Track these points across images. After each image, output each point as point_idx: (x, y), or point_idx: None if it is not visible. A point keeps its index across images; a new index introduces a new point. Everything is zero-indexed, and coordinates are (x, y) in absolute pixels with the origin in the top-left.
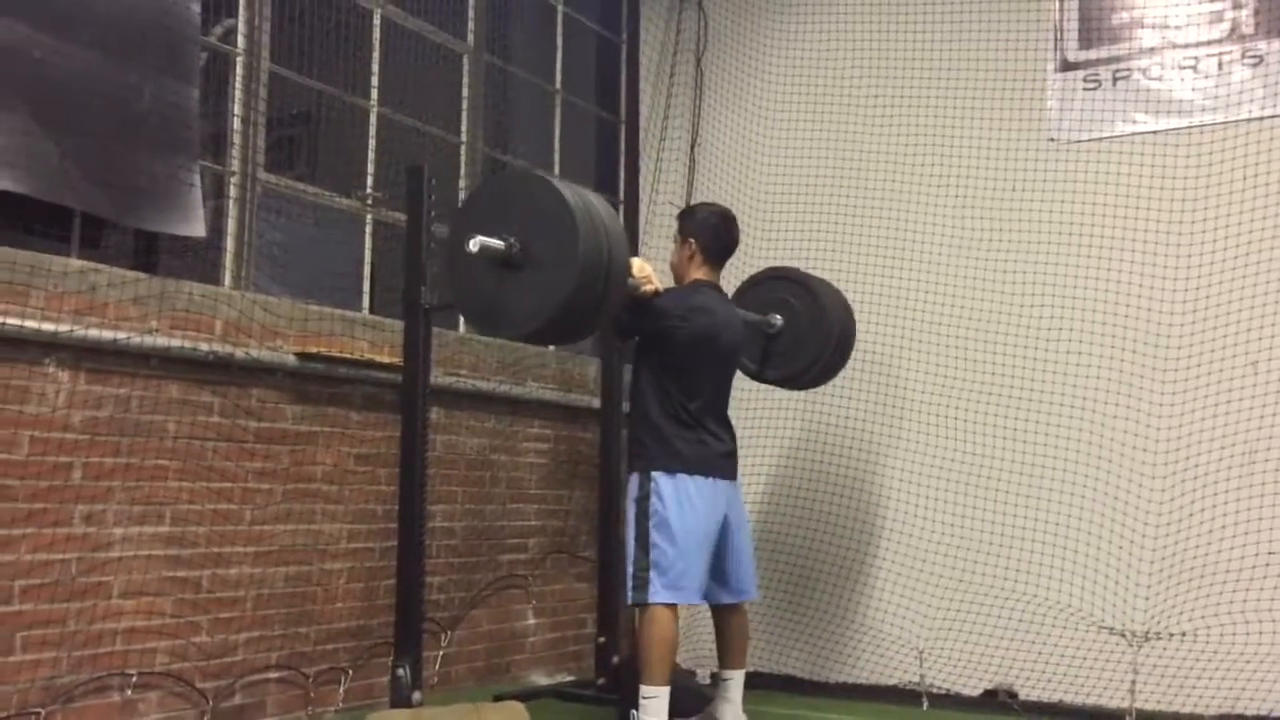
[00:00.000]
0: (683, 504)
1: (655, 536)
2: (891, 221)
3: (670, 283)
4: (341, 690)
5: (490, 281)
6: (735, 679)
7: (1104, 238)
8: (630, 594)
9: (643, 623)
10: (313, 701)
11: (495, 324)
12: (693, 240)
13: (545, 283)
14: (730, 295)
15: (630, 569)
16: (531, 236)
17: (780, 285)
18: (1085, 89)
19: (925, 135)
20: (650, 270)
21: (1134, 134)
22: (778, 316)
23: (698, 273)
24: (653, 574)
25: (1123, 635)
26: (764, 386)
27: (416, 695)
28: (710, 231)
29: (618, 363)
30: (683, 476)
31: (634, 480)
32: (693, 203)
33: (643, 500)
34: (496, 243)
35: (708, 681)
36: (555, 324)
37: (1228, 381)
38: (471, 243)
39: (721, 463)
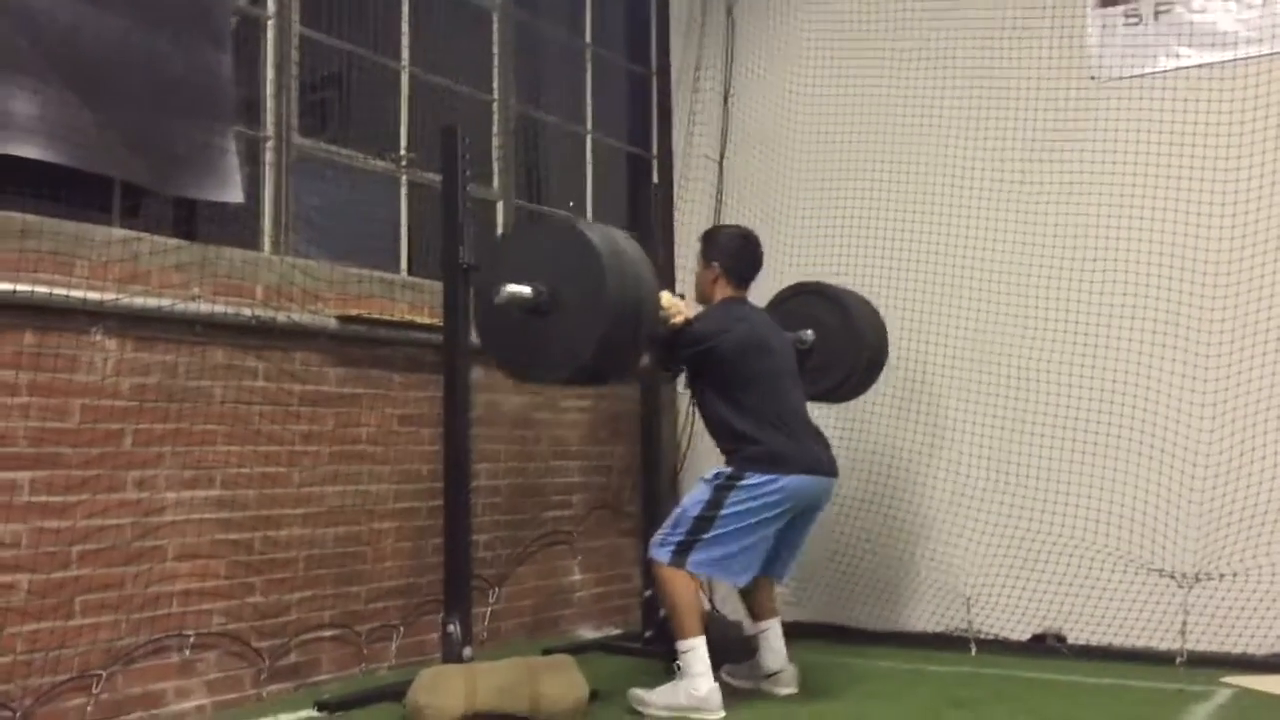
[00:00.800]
0: (765, 503)
1: (721, 526)
2: (931, 168)
3: (692, 291)
4: (393, 647)
5: (522, 329)
6: (773, 626)
7: (1149, 177)
8: (666, 556)
9: (663, 583)
10: (366, 658)
11: (529, 372)
12: (716, 264)
13: (577, 328)
14: None
15: (675, 534)
16: (560, 283)
17: (810, 300)
18: (1126, 24)
19: (962, 78)
20: (679, 301)
21: (1177, 69)
22: (809, 332)
23: (723, 293)
24: (699, 548)
25: (1172, 577)
26: None
27: (467, 650)
28: (733, 255)
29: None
30: (781, 475)
31: (722, 468)
32: (715, 225)
33: (722, 489)
34: (525, 291)
35: (752, 634)
36: (590, 368)
37: (1276, 320)
38: (499, 294)
39: (824, 460)
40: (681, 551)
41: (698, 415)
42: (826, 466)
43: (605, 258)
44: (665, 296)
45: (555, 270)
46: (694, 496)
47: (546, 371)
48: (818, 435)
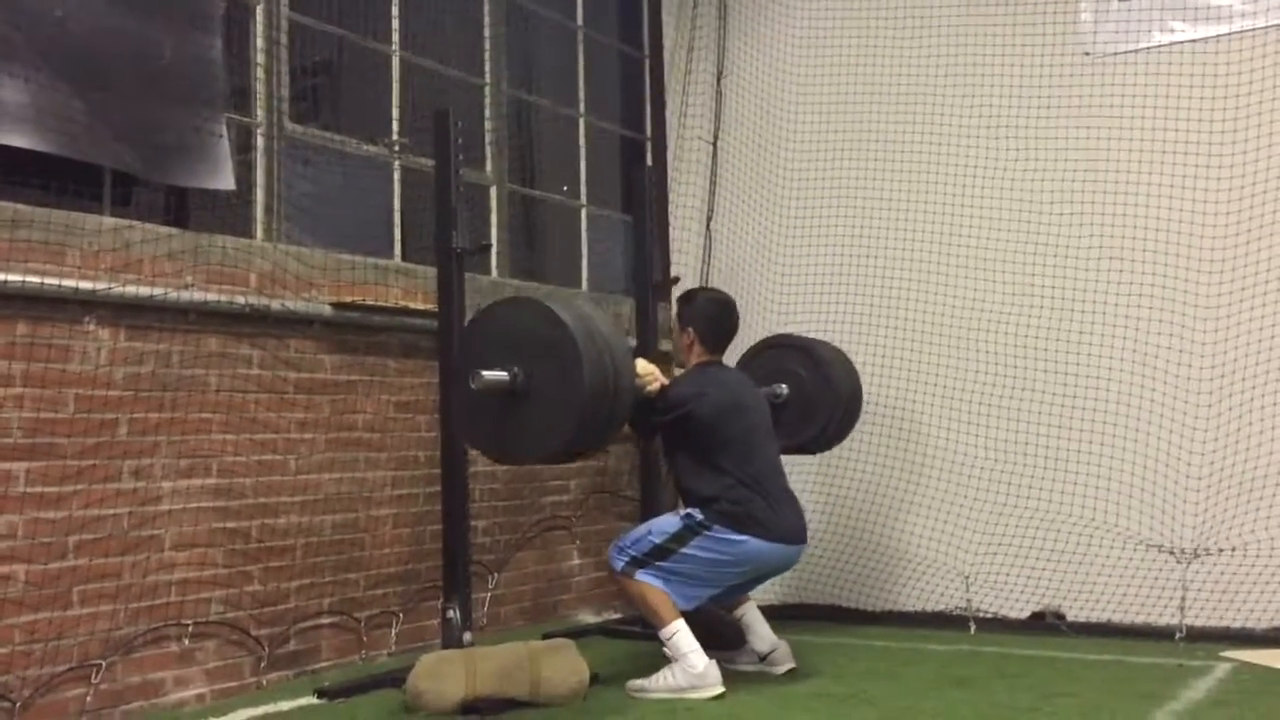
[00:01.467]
0: (724, 562)
1: (679, 562)
2: (924, 146)
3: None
4: (393, 633)
5: (499, 412)
6: (749, 611)
7: (1144, 152)
8: (619, 561)
9: (624, 585)
10: (366, 645)
11: (508, 454)
12: (691, 329)
13: (554, 409)
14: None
15: (636, 550)
16: (535, 364)
17: (782, 354)
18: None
19: (956, 55)
20: (654, 368)
21: (1171, 44)
22: (783, 386)
23: (699, 358)
24: (650, 569)
25: (1171, 553)
26: None
27: (467, 636)
28: (707, 321)
29: (651, 300)
30: (747, 537)
31: (695, 510)
32: (694, 289)
33: (688, 531)
34: (500, 375)
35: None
36: (569, 446)
37: (1273, 294)
38: (474, 380)
39: (795, 527)
40: (634, 565)
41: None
42: (796, 534)
43: (579, 337)
44: (641, 364)
45: (529, 351)
46: (662, 524)
47: (525, 453)
48: (791, 500)
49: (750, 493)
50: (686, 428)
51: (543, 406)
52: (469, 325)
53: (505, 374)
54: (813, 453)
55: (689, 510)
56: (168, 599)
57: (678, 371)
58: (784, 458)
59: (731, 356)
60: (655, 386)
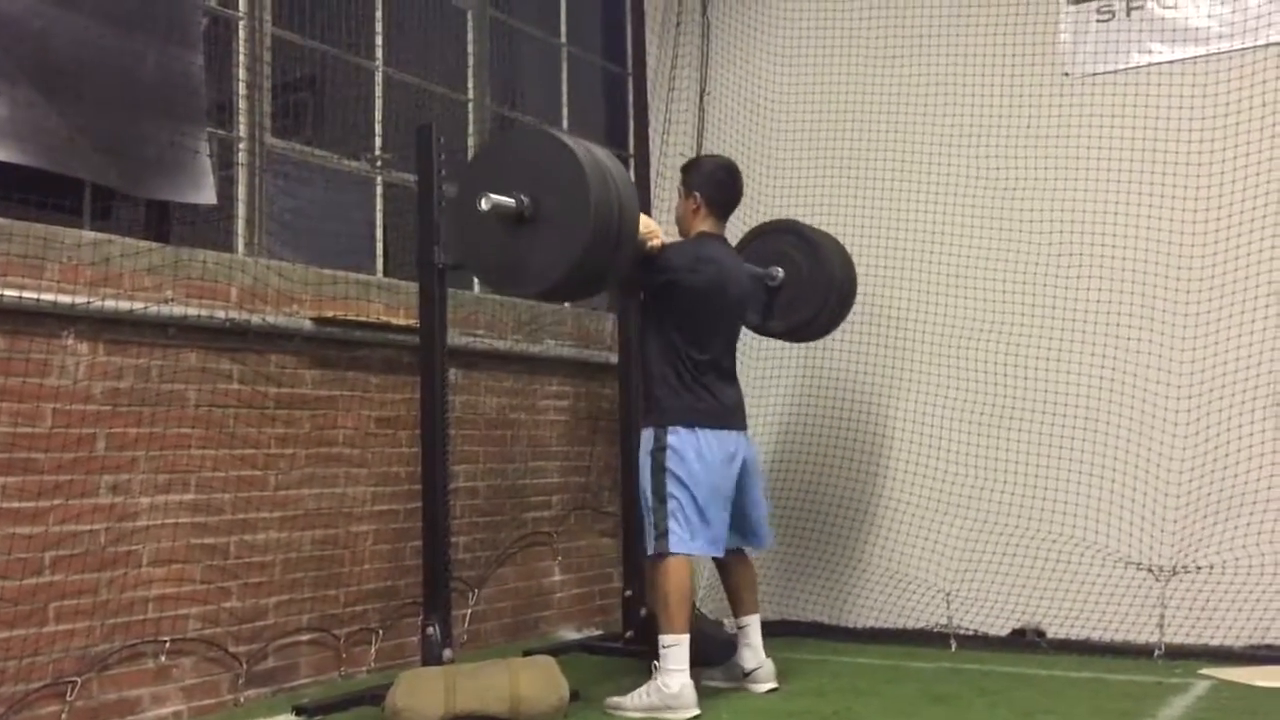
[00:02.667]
0: (699, 457)
1: (672, 488)
2: (904, 164)
3: (674, 234)
4: (373, 650)
5: (502, 240)
6: (752, 623)
7: (1122, 171)
8: (651, 545)
9: (658, 574)
10: (345, 662)
11: (509, 282)
12: (697, 194)
13: (558, 238)
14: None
15: (650, 520)
16: (542, 193)
17: (781, 238)
18: (1099, 21)
19: (936, 76)
20: (655, 225)
21: (1150, 65)
22: (779, 269)
23: (702, 225)
24: (671, 525)
25: (1150, 570)
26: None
27: (447, 653)
28: (714, 185)
29: (634, 316)
30: (697, 430)
31: (648, 434)
32: (700, 154)
33: (658, 453)
34: (508, 200)
35: (734, 631)
36: (569, 280)
37: (1250, 312)
38: (483, 201)
39: (733, 414)
40: (662, 535)
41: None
42: (730, 418)
43: (588, 169)
44: (645, 219)
45: (537, 182)
46: (642, 476)
47: (525, 284)
48: (733, 387)
49: (693, 382)
50: (668, 296)
51: (547, 236)
52: (479, 152)
53: (511, 199)
54: (806, 339)
55: (647, 442)
56: (144, 615)
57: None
58: (767, 467)
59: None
60: (656, 243)
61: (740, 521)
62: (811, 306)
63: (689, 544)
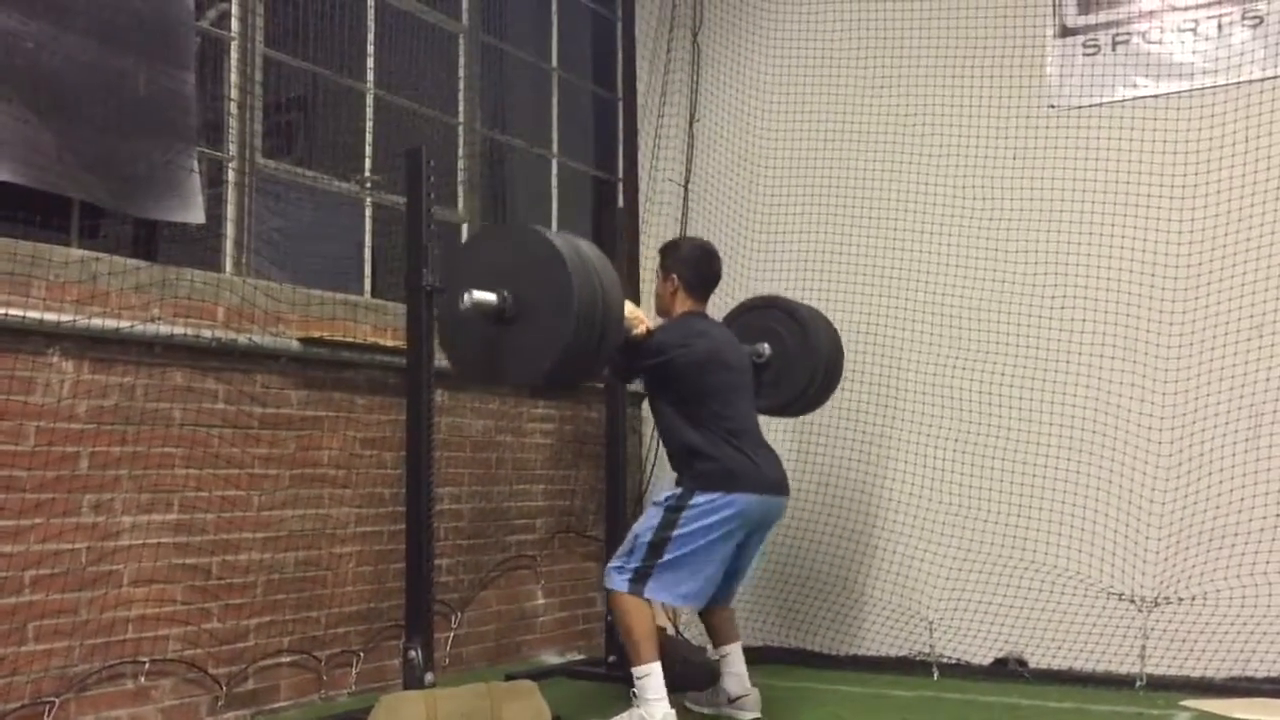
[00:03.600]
0: (715, 527)
1: (675, 549)
2: (892, 193)
3: (651, 307)
4: (354, 673)
5: (486, 337)
6: (734, 651)
7: (1106, 204)
8: (623, 583)
9: (620, 608)
10: (325, 685)
11: (494, 379)
12: (675, 276)
13: (542, 334)
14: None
15: (631, 562)
16: (525, 288)
17: (766, 314)
18: (1085, 54)
19: (924, 105)
20: (639, 312)
21: (1135, 99)
22: (765, 345)
23: (683, 306)
24: (656, 574)
25: (1132, 601)
26: None
27: (429, 677)
28: (692, 267)
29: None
30: (732, 493)
31: (672, 489)
32: (679, 237)
33: (672, 511)
34: (490, 296)
35: (717, 659)
36: (555, 375)
37: (1232, 345)
38: (465, 298)
39: (776, 480)
40: (638, 579)
41: (661, 439)
42: (778, 485)
43: (571, 264)
44: (629, 306)
45: (519, 277)
46: (646, 521)
47: (511, 379)
48: (770, 452)
49: (729, 447)
50: (668, 375)
51: (530, 333)
52: (462, 247)
53: (494, 296)
54: (793, 415)
55: (666, 494)
56: (124, 635)
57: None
58: None
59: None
60: (642, 329)
61: (723, 581)
62: (799, 382)
63: (665, 595)
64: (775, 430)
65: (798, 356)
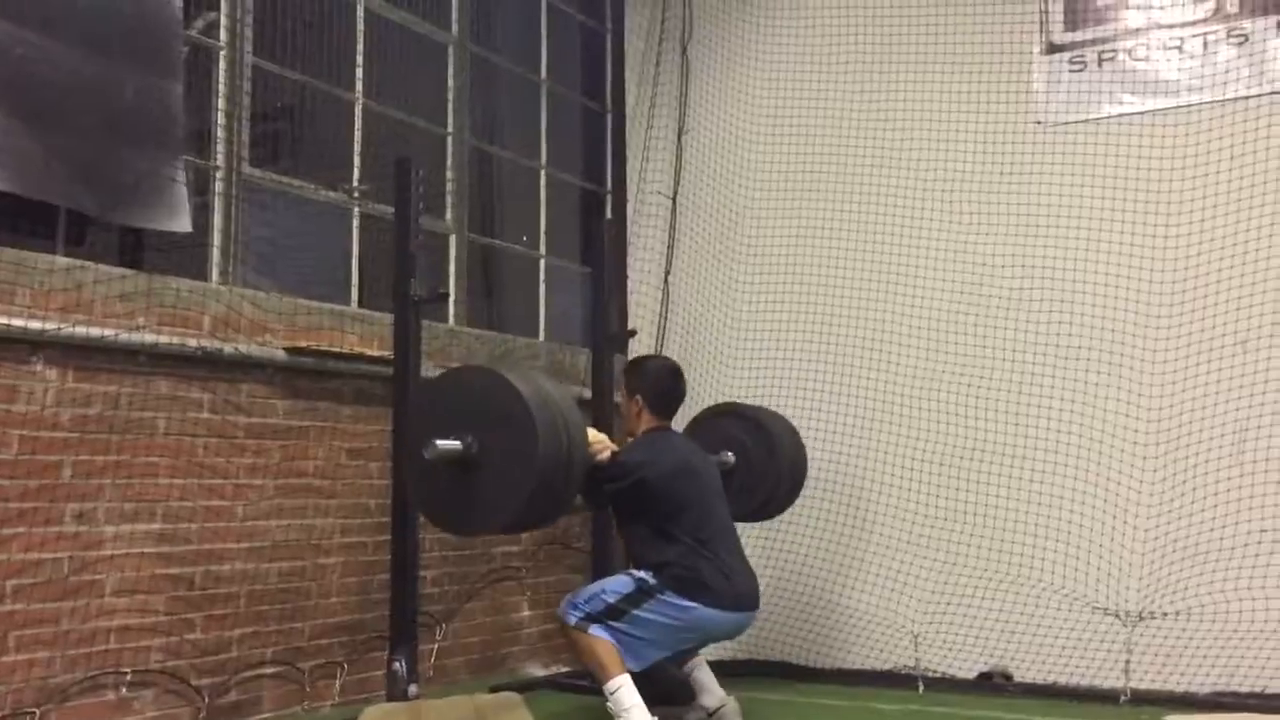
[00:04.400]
0: (675, 628)
1: (632, 624)
2: (879, 207)
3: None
4: (337, 685)
5: (452, 482)
6: (698, 665)
7: (1092, 219)
8: (572, 616)
9: (573, 636)
10: (308, 696)
11: (459, 524)
12: (639, 396)
13: (507, 480)
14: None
15: (593, 608)
16: (489, 434)
17: (729, 422)
18: (1071, 71)
19: (912, 121)
20: (603, 436)
21: (1121, 115)
22: (730, 454)
23: (647, 424)
24: (609, 632)
25: (1116, 615)
26: None
27: (413, 688)
28: (656, 389)
29: (608, 352)
30: (699, 606)
31: (648, 573)
32: (641, 356)
33: (641, 593)
34: (454, 444)
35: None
36: (521, 519)
37: (1217, 361)
38: (427, 449)
39: (748, 594)
40: (588, 620)
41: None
42: (748, 601)
43: (534, 408)
44: (591, 433)
45: (483, 421)
46: (615, 584)
47: (478, 525)
48: (744, 564)
49: (702, 559)
50: (639, 495)
51: (495, 477)
52: (423, 390)
53: (459, 443)
54: (756, 521)
55: (642, 573)
56: (106, 646)
57: (627, 440)
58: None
59: (680, 420)
60: (605, 455)
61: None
62: (765, 490)
63: (622, 654)
64: None
65: (762, 462)
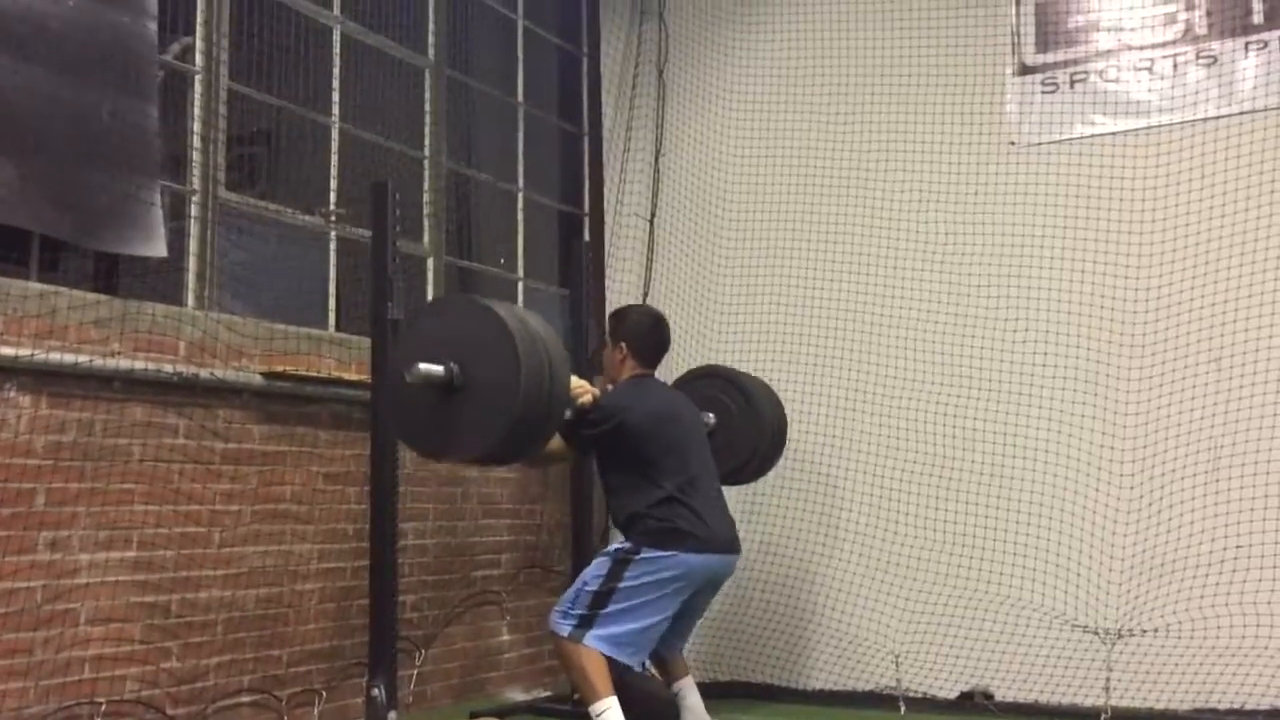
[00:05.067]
0: (661, 585)
1: (620, 600)
2: (854, 228)
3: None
4: (316, 712)
5: (433, 409)
6: (686, 685)
7: (1065, 239)
8: (566, 628)
9: (566, 651)
10: None
11: (440, 451)
12: (624, 344)
13: (488, 408)
14: None
15: (574, 608)
16: (472, 361)
17: (711, 383)
18: (1044, 92)
19: (886, 142)
20: (585, 383)
21: (1093, 136)
22: (711, 415)
23: (631, 373)
24: (598, 624)
25: (1096, 633)
26: None
27: (392, 715)
28: (640, 335)
29: (586, 374)
30: (679, 553)
31: (620, 542)
32: (632, 304)
33: (619, 565)
34: (436, 368)
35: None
36: (501, 447)
37: (1191, 379)
38: (409, 372)
39: (726, 538)
40: (581, 626)
41: (610, 514)
42: (728, 544)
43: (518, 337)
44: (574, 379)
45: (466, 350)
46: (593, 570)
47: (457, 452)
48: (723, 509)
49: (679, 506)
50: (619, 439)
51: (477, 403)
52: (407, 320)
53: (441, 368)
54: (743, 482)
55: (615, 545)
56: (80, 676)
57: (608, 389)
58: None
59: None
60: (588, 399)
61: (669, 631)
62: (745, 451)
63: (606, 647)
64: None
65: (743, 425)
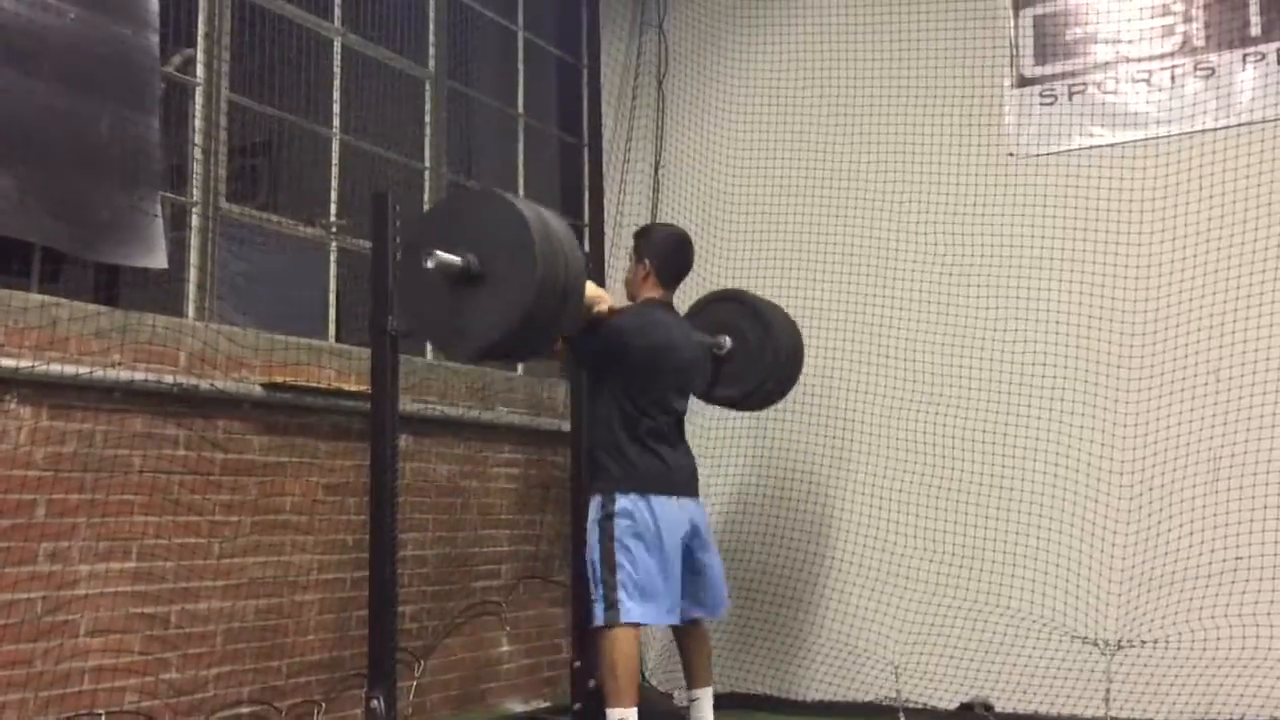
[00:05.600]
0: (647, 524)
1: (621, 557)
2: (853, 239)
3: (623, 299)
4: None
5: (447, 299)
6: (704, 697)
7: (1064, 251)
8: (601, 615)
9: (606, 645)
10: None
11: (452, 340)
12: (648, 261)
13: (503, 297)
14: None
15: (599, 591)
16: (488, 252)
17: (728, 307)
18: (1042, 104)
19: (885, 153)
20: (603, 292)
21: (1091, 147)
22: (726, 338)
23: (651, 292)
24: (621, 595)
25: (1096, 644)
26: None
27: None
28: (665, 254)
29: (584, 383)
30: (648, 496)
31: (595, 502)
32: (651, 223)
33: (605, 521)
34: (453, 258)
35: (684, 705)
36: (512, 338)
37: (1190, 390)
38: (429, 259)
39: (685, 481)
40: (611, 606)
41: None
42: (684, 486)
43: (535, 229)
44: (591, 285)
45: (484, 242)
46: (590, 545)
47: (468, 342)
48: (684, 453)
49: (644, 449)
50: (619, 357)
51: (492, 295)
52: (429, 211)
53: (458, 258)
54: (751, 409)
55: (593, 509)
56: (80, 687)
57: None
58: (718, 538)
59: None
60: (603, 308)
61: (694, 589)
62: (758, 375)
63: (640, 614)
64: (736, 462)
65: (758, 352)
